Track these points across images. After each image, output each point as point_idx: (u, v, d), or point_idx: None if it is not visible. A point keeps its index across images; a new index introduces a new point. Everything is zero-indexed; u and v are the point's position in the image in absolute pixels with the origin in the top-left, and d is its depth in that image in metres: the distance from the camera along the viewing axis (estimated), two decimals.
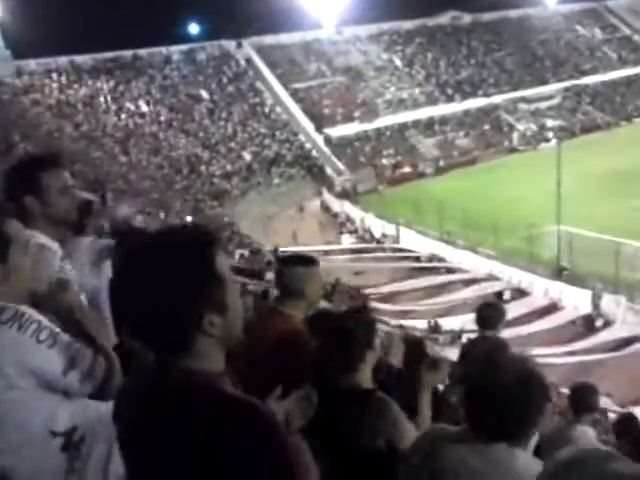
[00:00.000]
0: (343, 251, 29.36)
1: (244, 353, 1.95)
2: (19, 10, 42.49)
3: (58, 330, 1.92)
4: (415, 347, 5.21)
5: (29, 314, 1.86)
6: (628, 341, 18.82)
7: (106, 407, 1.78)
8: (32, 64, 43.27)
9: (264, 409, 1.33)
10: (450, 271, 26.50)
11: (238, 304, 1.42)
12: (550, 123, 51.03)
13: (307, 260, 2.99)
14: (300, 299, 2.92)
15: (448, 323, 20.02)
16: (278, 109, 47.94)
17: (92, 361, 1.93)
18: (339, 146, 45.30)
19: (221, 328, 1.35)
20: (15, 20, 42.59)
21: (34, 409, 1.87)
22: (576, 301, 21.98)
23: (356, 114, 48.68)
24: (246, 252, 26.31)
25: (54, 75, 43.44)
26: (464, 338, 18.74)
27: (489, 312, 4.70)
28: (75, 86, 43.29)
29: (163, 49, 48.67)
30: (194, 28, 56.82)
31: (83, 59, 45.16)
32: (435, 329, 19.71)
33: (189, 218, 32.52)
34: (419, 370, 2.75)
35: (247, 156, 42.83)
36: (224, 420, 1.25)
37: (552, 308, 22.33)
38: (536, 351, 16.83)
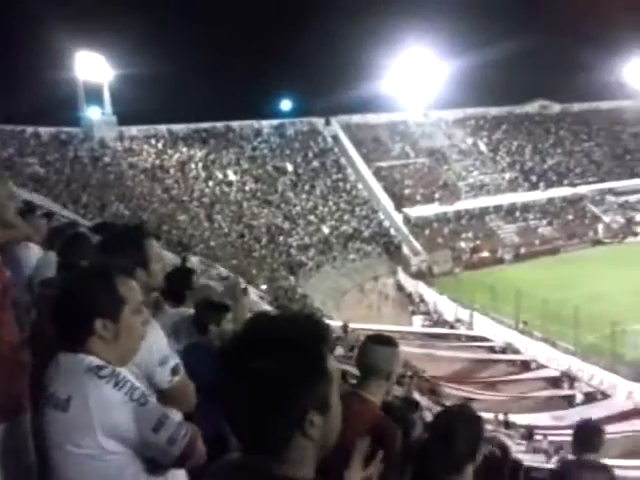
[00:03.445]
0: (416, 334, 28.84)
1: None
2: (127, 80, 45.91)
3: (148, 392, 1.98)
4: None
5: (124, 374, 1.92)
6: None
7: None
8: (133, 130, 46.28)
9: None
10: (525, 364, 25.49)
11: (339, 405, 1.33)
12: (639, 217, 49.30)
13: (390, 341, 2.97)
14: (384, 380, 2.87)
15: (517, 419, 19.15)
16: (360, 186, 48.78)
17: (177, 428, 1.91)
18: (417, 226, 45.33)
19: (321, 430, 1.26)
20: (122, 89, 46.04)
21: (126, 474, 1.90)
22: None
23: (437, 195, 48.83)
24: None
25: (152, 141, 46.20)
26: (536, 436, 17.86)
27: (588, 433, 4.30)
28: (170, 152, 45.79)
29: (255, 122, 51.01)
30: (286, 104, 59.43)
31: (180, 127, 47.93)
32: (506, 425, 18.85)
33: (263, 287, 33.07)
34: None
35: (325, 230, 43.50)
36: None
37: (635, 413, 20.93)
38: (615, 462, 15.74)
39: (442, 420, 2.63)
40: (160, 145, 46.16)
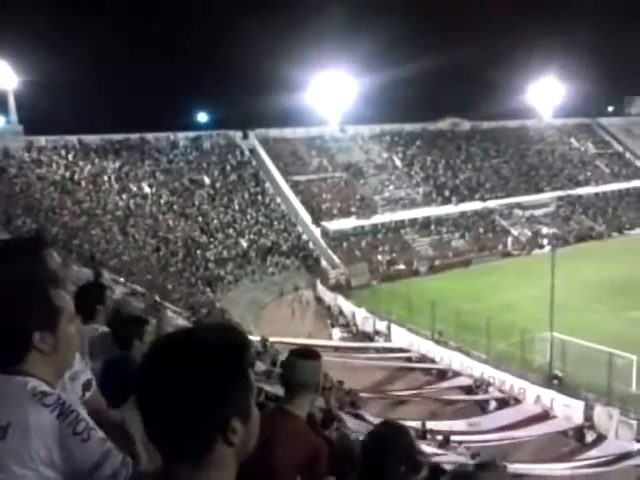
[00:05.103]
0: (334, 347, 28.96)
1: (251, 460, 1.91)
2: (34, 87, 44.07)
3: (93, 425, 1.84)
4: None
5: (69, 403, 1.80)
6: (620, 458, 18.24)
7: None
8: (42, 140, 44.39)
9: None
10: (440, 373, 26.11)
11: (257, 413, 1.34)
12: (544, 230, 51.93)
13: (314, 354, 2.95)
14: (312, 394, 2.87)
15: (434, 426, 19.57)
16: (278, 199, 48.82)
17: (120, 464, 1.83)
18: (335, 239, 45.80)
19: (241, 437, 1.26)
20: (29, 96, 44.10)
21: None
22: (568, 410, 21.54)
23: (354, 209, 49.56)
24: None
25: (62, 152, 44.45)
26: (452, 443, 18.27)
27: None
28: (81, 163, 44.20)
29: (170, 134, 50.12)
30: (202, 117, 58.89)
31: (92, 139, 46.37)
32: (423, 433, 19.17)
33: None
34: None
35: (244, 243, 43.16)
36: None
37: (543, 416, 21.84)
38: (527, 465, 16.37)
39: (373, 445, 2.63)
40: (71, 156, 44.52)
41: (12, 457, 1.72)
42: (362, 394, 21.82)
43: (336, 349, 28.17)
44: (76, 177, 42.91)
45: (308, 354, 2.94)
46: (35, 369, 1.85)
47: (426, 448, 16.03)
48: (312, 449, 2.75)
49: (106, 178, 44.03)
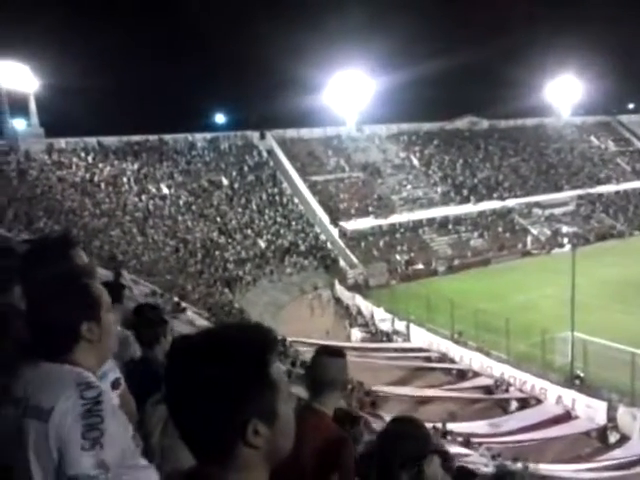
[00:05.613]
0: (353, 347, 28.91)
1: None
2: (55, 90, 44.58)
3: (107, 445, 1.78)
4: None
5: (103, 405, 1.81)
6: None
7: None
8: (62, 142, 44.88)
9: None
10: (460, 373, 25.98)
11: (291, 415, 1.30)
12: (564, 229, 51.45)
13: (339, 352, 3.01)
14: (338, 391, 2.93)
15: (454, 427, 19.47)
16: (295, 200, 48.89)
17: None
18: (353, 239, 45.75)
19: (268, 439, 1.23)
20: (50, 100, 44.64)
21: None
22: (590, 411, 21.32)
23: (371, 209, 49.47)
24: None
25: (82, 154, 44.89)
26: (473, 445, 18.19)
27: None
28: (100, 165, 44.60)
29: (188, 135, 50.41)
30: (220, 118, 59.18)
31: (111, 140, 46.79)
32: (444, 434, 19.09)
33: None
34: None
35: (262, 244, 43.28)
36: None
37: (565, 417, 21.64)
38: (552, 467, 16.25)
39: (391, 426, 2.67)
40: (90, 158, 44.93)
41: (54, 441, 1.76)
42: (382, 393, 21.80)
43: (355, 349, 28.14)
44: (96, 179, 43.31)
45: (334, 352, 3.01)
46: (82, 359, 1.94)
47: (449, 448, 15.98)
48: (336, 438, 2.79)
49: (125, 179, 44.39)
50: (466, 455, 16.19)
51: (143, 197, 43.55)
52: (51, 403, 1.79)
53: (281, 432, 1.26)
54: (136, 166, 45.86)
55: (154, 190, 44.71)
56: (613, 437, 20.14)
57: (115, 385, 2.47)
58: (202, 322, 24.56)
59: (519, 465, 16.61)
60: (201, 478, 1.24)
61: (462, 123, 63.54)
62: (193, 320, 24.85)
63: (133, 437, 2.05)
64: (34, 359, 1.92)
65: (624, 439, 19.93)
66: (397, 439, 2.53)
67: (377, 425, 14.07)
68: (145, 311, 4.33)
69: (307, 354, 22.92)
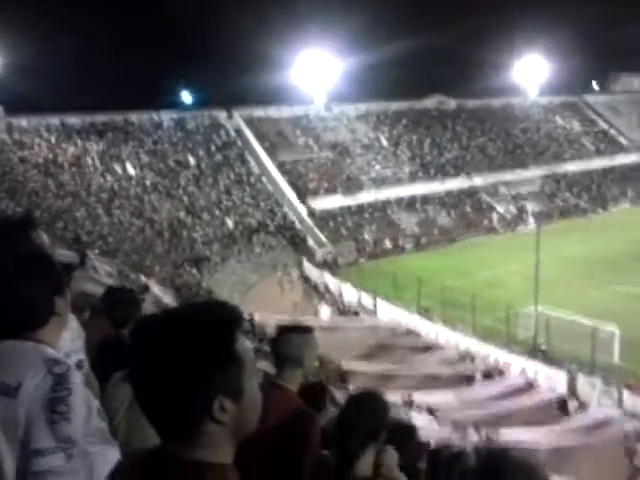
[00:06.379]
0: (322, 324, 29.06)
1: None
2: (14, 67, 43.38)
3: (75, 421, 1.81)
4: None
5: (71, 379, 1.84)
6: (601, 424, 18.58)
7: None
8: (23, 122, 43.79)
9: None
10: (426, 347, 26.32)
11: (257, 391, 1.31)
12: (529, 207, 52.20)
13: (304, 328, 3.04)
14: (298, 368, 2.93)
15: (420, 398, 19.80)
16: (264, 179, 48.63)
17: (74, 463, 1.77)
18: (322, 219, 45.79)
19: (234, 415, 1.24)
20: (9, 77, 43.40)
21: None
22: (551, 382, 21.85)
23: (340, 189, 49.51)
24: None
25: (44, 134, 43.93)
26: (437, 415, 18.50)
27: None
28: (64, 145, 43.71)
29: (154, 115, 49.64)
30: (186, 96, 58.36)
31: (74, 120, 45.81)
32: (410, 404, 19.38)
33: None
34: None
35: (230, 223, 43.04)
36: None
37: (528, 388, 22.13)
38: (514, 434, 16.60)
39: (352, 401, 2.72)
40: (53, 138, 43.99)
41: (23, 418, 1.78)
42: (348, 368, 22.00)
43: (323, 325, 28.30)
44: (59, 159, 42.47)
45: (295, 328, 3.04)
46: (48, 334, 1.97)
47: (414, 421, 16.21)
48: (300, 414, 2.82)
49: (89, 160, 43.59)
50: (429, 428, 16.47)
51: (108, 177, 42.86)
52: (18, 379, 1.79)
53: (247, 408, 1.27)
54: (101, 146, 45.04)
55: (120, 171, 44.01)
56: (573, 405, 20.69)
57: (79, 366, 2.49)
58: (169, 302, 24.38)
59: (482, 435, 16.98)
60: (166, 456, 1.24)
61: (430, 102, 63.69)
62: (160, 300, 24.66)
63: (98, 412, 2.08)
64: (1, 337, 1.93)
65: (583, 407, 20.49)
66: (355, 415, 2.57)
67: (343, 399, 14.20)
68: (116, 293, 4.29)
69: (275, 331, 22.97)
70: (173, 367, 1.19)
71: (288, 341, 2.92)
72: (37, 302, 1.95)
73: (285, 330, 3.01)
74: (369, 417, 2.55)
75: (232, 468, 1.28)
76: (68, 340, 2.48)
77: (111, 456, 1.93)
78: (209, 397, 1.21)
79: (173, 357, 1.19)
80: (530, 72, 69.02)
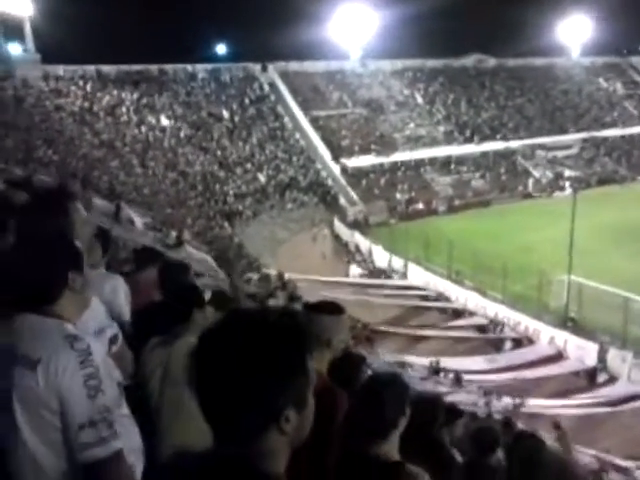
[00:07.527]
0: (350, 284, 29.16)
1: None
2: (51, 15, 43.19)
3: (107, 388, 1.91)
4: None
5: (94, 356, 1.90)
6: (630, 398, 18.48)
7: None
8: (60, 69, 43.85)
9: None
10: (455, 312, 26.32)
11: (313, 402, 1.32)
12: (567, 172, 51.08)
13: (335, 309, 2.89)
14: (325, 350, 2.81)
15: (447, 363, 19.89)
16: (297, 135, 48.27)
17: (109, 439, 1.86)
18: (354, 177, 45.45)
19: (295, 426, 1.25)
20: (47, 25, 43.28)
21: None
22: (581, 352, 21.72)
23: (373, 147, 48.94)
24: (255, 276, 26.18)
25: (80, 82, 43.99)
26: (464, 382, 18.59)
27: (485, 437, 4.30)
28: (99, 94, 43.77)
29: (189, 66, 49.28)
30: (221, 48, 57.73)
31: (110, 69, 45.74)
32: (436, 371, 19.50)
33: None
34: None
35: (262, 179, 43.02)
36: None
37: (557, 357, 22.07)
38: (539, 402, 16.63)
39: (370, 387, 2.65)
40: (89, 87, 44.04)
41: (45, 390, 1.84)
42: (378, 330, 22.16)
43: (352, 285, 28.44)
44: (95, 108, 42.60)
45: (327, 308, 2.88)
46: (63, 309, 2.01)
47: (439, 387, 16.33)
48: (328, 394, 2.64)
49: (124, 109, 43.66)
50: (456, 392, 16.57)
51: (142, 128, 42.95)
52: (38, 354, 1.85)
53: (306, 419, 1.29)
54: (135, 96, 45.02)
55: (153, 121, 44.05)
56: (602, 378, 20.60)
57: (113, 341, 2.60)
58: (202, 255, 24.66)
59: (509, 401, 17.05)
60: (224, 463, 1.21)
61: (468, 60, 62.03)
62: (192, 254, 24.94)
63: (118, 385, 2.19)
64: (19, 310, 1.97)
65: (612, 380, 20.39)
66: (371, 409, 2.51)
67: (371, 361, 14.34)
68: (171, 268, 4.43)
69: (305, 290, 23.16)
70: (257, 373, 1.18)
71: (319, 322, 2.80)
72: (50, 275, 2.01)
73: (316, 308, 2.88)
74: (386, 407, 2.50)
75: (284, 477, 1.28)
76: (103, 315, 2.61)
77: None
78: (280, 407, 1.21)
79: (260, 363, 1.18)
80: (574, 32, 66.54)
